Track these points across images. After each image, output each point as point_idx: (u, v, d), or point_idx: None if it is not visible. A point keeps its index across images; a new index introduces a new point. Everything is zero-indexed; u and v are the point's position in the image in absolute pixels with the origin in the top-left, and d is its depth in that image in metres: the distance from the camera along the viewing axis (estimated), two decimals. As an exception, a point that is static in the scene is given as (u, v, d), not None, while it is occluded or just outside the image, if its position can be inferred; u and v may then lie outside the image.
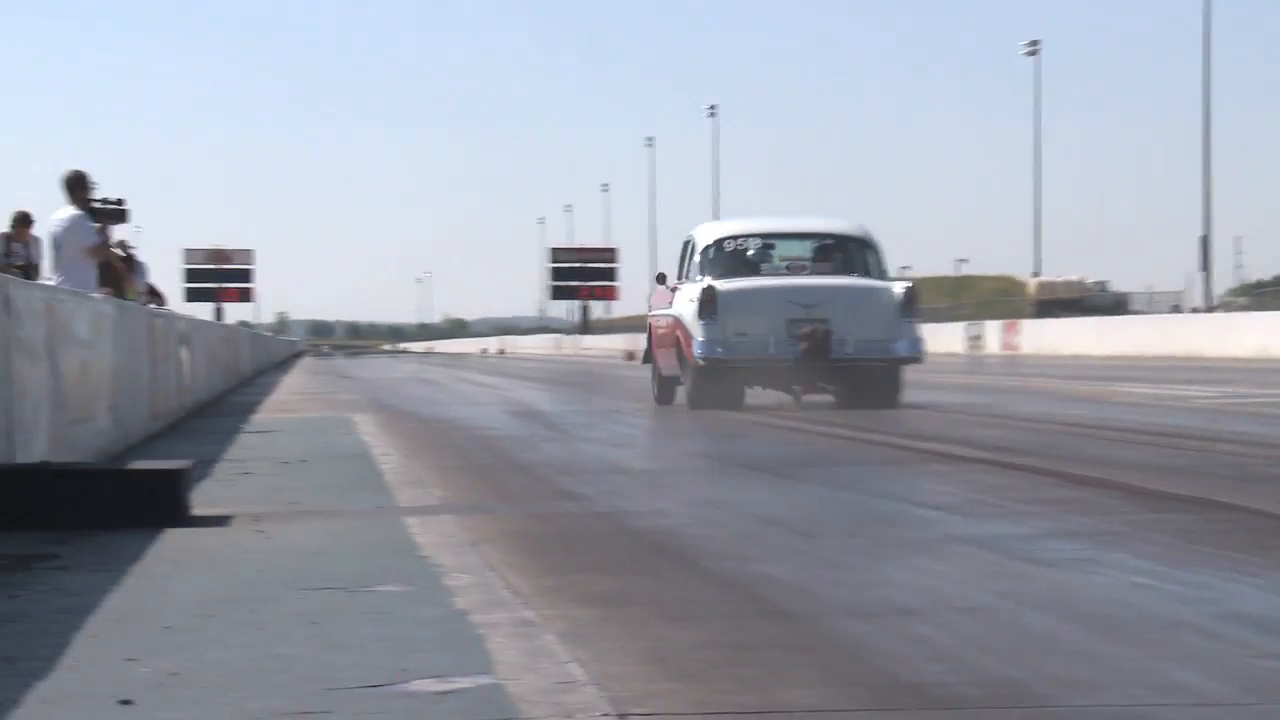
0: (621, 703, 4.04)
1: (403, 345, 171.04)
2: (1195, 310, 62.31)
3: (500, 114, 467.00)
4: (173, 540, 7.28)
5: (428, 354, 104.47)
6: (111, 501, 7.81)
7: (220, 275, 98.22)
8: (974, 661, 4.53)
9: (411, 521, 7.85)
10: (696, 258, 19.69)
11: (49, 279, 15.60)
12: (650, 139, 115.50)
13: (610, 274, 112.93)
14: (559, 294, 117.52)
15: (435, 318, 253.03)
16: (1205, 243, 60.44)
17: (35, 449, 8.84)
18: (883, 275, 19.39)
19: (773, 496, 9.15)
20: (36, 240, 17.68)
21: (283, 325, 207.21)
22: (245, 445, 13.70)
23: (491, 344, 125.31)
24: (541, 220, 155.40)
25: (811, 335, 18.35)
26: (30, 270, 17.07)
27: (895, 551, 6.72)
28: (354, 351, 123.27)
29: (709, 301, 18.55)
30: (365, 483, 10.01)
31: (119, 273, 17.41)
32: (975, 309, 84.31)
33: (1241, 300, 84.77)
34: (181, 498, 7.98)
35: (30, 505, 7.73)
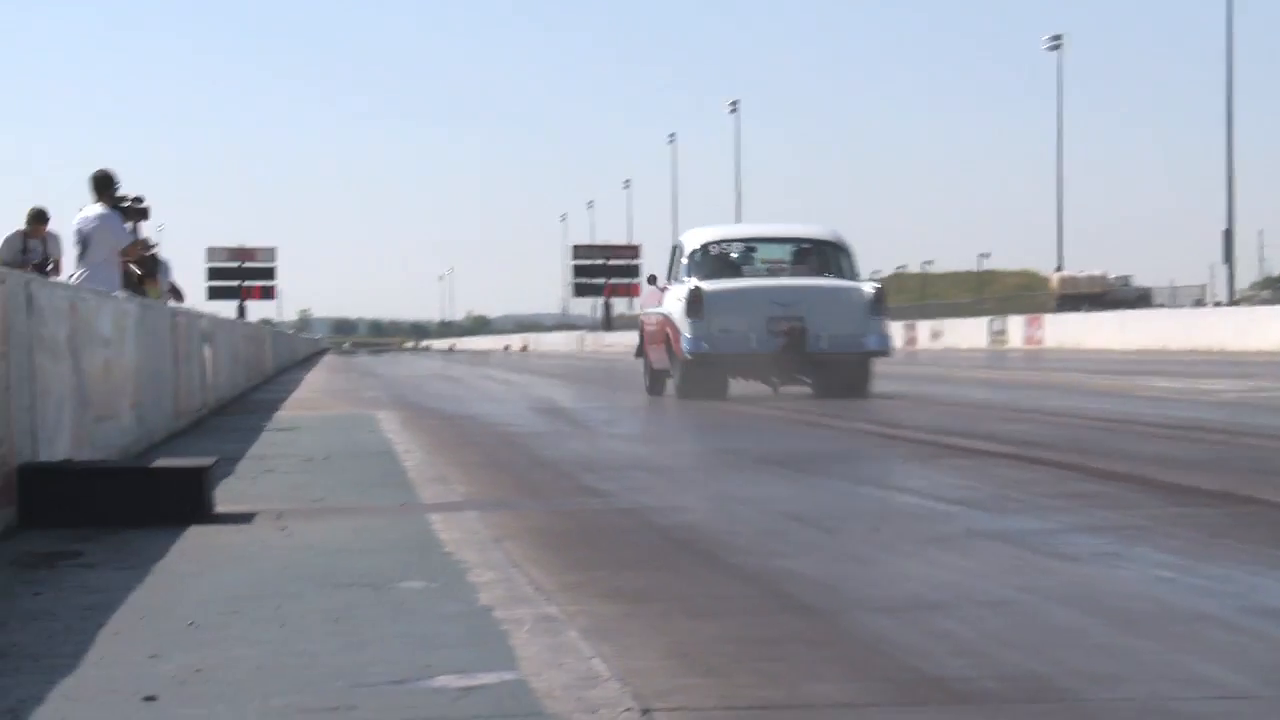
0: (645, 698, 4.04)
1: (425, 342, 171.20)
2: (1218, 304, 62.23)
3: (523, 110, 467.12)
4: (196, 537, 7.30)
5: (450, 351, 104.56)
6: (135, 499, 7.83)
7: (243, 273, 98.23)
8: (997, 656, 4.53)
9: (435, 518, 7.86)
10: (684, 260, 21.38)
11: (72, 276, 15.64)
12: (673, 135, 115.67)
13: (633, 271, 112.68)
14: (581, 291, 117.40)
15: (458, 315, 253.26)
16: (1228, 236, 60.36)
17: (59, 447, 8.86)
18: (854, 276, 21.14)
19: (795, 492, 9.15)
20: (53, 237, 17.71)
21: (305, 323, 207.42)
22: (268, 443, 13.72)
23: (514, 341, 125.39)
24: (564, 217, 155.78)
25: (789, 331, 20.12)
26: (46, 267, 17.11)
27: (918, 546, 6.71)
28: (377, 349, 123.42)
29: (696, 301, 20.27)
30: (388, 480, 10.02)
31: (142, 272, 17.44)
32: (998, 304, 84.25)
33: (1264, 294, 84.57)
34: (205, 495, 8.00)
35: (54, 503, 7.76)
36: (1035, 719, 3.88)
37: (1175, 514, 7.64)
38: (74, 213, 16.15)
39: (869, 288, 20.77)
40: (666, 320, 20.92)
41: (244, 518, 7.97)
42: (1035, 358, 44.38)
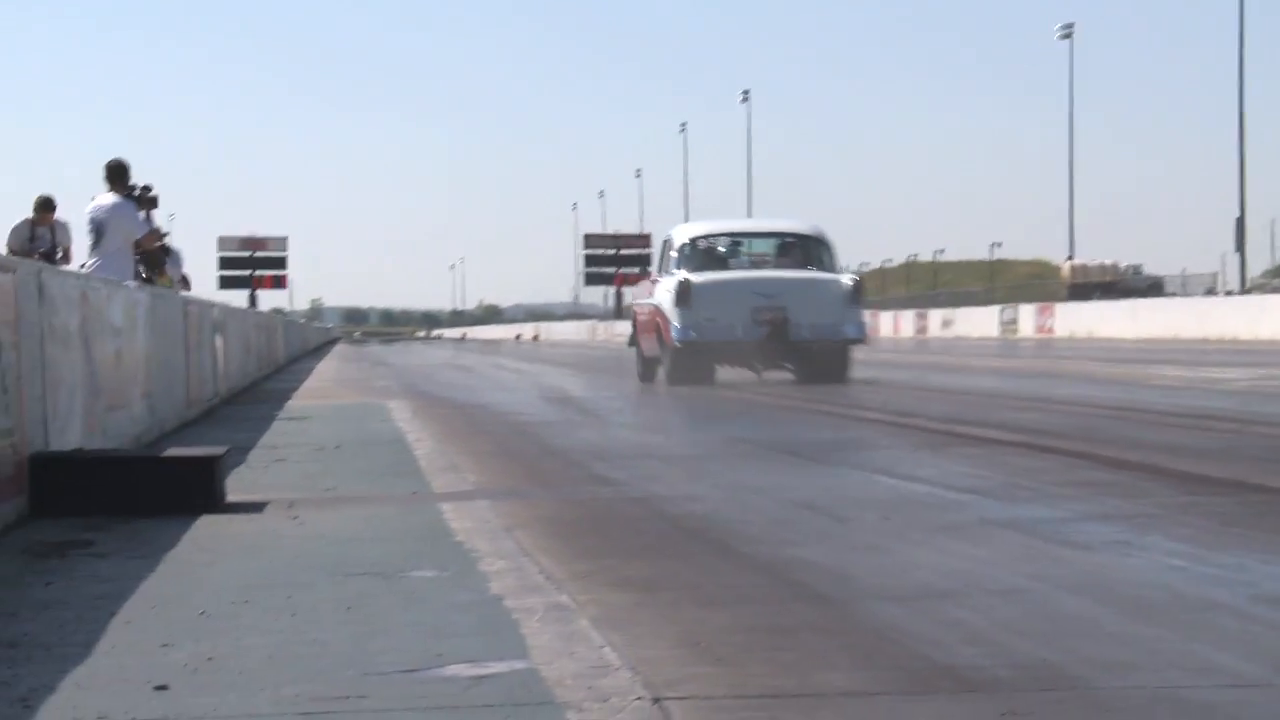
0: (656, 686, 4.04)
1: (437, 331, 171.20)
2: (1230, 293, 62.09)
3: (535, 100, 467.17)
4: (207, 526, 7.31)
5: (462, 340, 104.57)
6: (146, 488, 7.84)
7: (254, 263, 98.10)
8: (1008, 644, 4.53)
9: (446, 507, 7.87)
10: (674, 254, 22.42)
11: (85, 265, 15.63)
12: (684, 125, 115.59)
13: (644, 260, 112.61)
14: (593, 280, 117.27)
15: (469, 304, 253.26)
16: (1240, 224, 60.24)
17: (70, 436, 8.87)
18: (834, 269, 22.33)
19: (806, 480, 9.14)
20: (61, 225, 17.70)
21: (317, 312, 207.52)
22: (280, 432, 13.73)
23: (526, 330, 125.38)
24: (575, 206, 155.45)
25: (773, 320, 21.26)
26: (54, 255, 17.10)
27: (929, 535, 6.71)
28: (388, 338, 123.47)
29: (684, 292, 21.31)
30: (400, 469, 10.03)
31: (150, 266, 17.42)
32: (1009, 292, 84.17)
33: (1276, 282, 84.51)
34: (216, 484, 8.01)
35: (65, 492, 7.77)
36: (1047, 707, 3.87)
37: (1186, 502, 7.63)
38: (83, 202, 16.15)
39: (848, 280, 21.93)
40: (657, 310, 21.90)
41: (255, 507, 7.98)
42: (1046, 346, 44.34)
